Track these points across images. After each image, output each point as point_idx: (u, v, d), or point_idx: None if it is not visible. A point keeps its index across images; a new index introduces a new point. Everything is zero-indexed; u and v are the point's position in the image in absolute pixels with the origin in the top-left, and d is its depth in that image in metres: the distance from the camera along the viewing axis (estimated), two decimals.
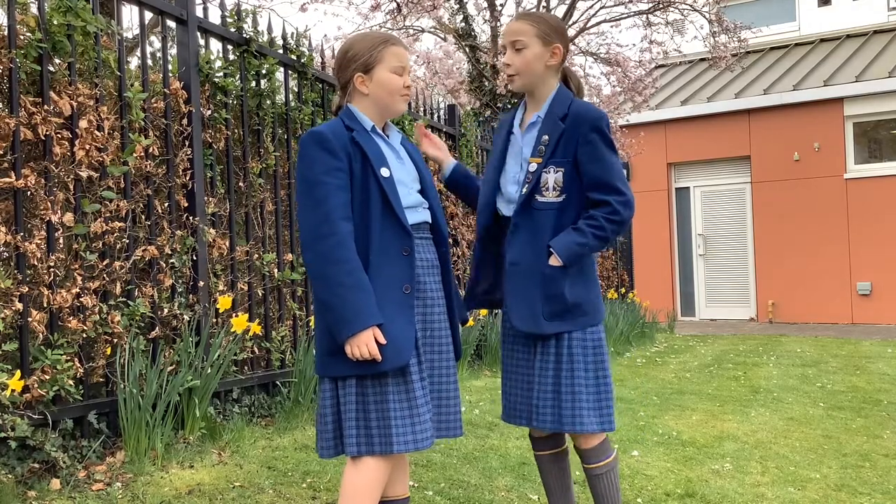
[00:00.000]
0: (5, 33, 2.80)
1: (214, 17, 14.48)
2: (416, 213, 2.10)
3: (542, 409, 2.27)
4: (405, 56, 2.13)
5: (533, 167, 2.29)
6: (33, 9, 2.94)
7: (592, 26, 10.05)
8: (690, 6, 10.04)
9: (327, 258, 1.93)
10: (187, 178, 3.56)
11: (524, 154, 2.34)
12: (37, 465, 2.71)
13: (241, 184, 3.95)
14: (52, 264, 2.87)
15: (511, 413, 2.40)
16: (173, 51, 3.67)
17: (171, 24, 3.66)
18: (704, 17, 10.20)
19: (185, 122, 3.58)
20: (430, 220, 2.15)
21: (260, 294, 4.03)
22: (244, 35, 3.97)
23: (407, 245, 2.05)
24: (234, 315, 3.69)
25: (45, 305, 2.86)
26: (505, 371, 2.44)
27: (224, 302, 3.50)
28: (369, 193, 2.02)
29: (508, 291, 2.35)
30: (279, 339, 4.10)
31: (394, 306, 2.00)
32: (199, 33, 3.73)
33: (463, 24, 9.90)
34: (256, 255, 4.00)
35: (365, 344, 1.91)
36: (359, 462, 2.00)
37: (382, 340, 1.94)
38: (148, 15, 3.54)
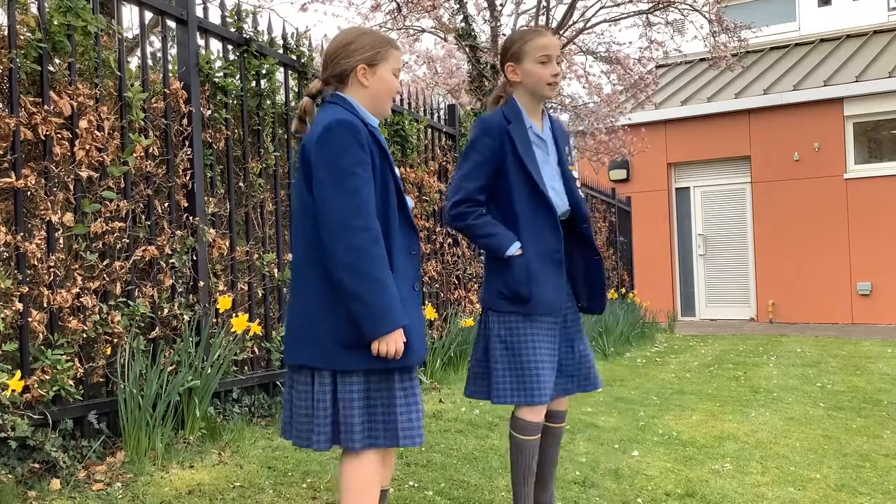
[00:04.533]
0: (5, 33, 2.80)
1: (214, 17, 14.49)
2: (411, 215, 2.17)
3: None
4: (400, 60, 2.19)
5: None
6: (33, 9, 2.94)
7: (592, 26, 10.05)
8: (690, 6, 10.03)
9: (363, 252, 1.91)
10: (187, 178, 3.56)
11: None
12: (37, 465, 2.71)
13: (241, 184, 3.95)
14: (52, 264, 2.87)
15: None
16: (173, 51, 3.67)
17: (171, 24, 3.66)
18: (704, 16, 10.19)
19: (185, 122, 3.58)
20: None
21: (260, 294, 4.03)
22: (244, 35, 3.97)
23: (414, 244, 2.10)
24: (234, 315, 3.69)
25: (45, 305, 2.86)
26: None
27: (224, 302, 3.50)
28: (388, 191, 2.04)
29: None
30: (279, 339, 4.10)
31: (411, 304, 2.05)
32: (199, 33, 3.73)
33: (463, 24, 9.89)
34: (256, 255, 4.00)
35: (395, 342, 1.94)
36: (363, 455, 2.03)
37: (403, 339, 1.99)
38: (148, 15, 3.53)
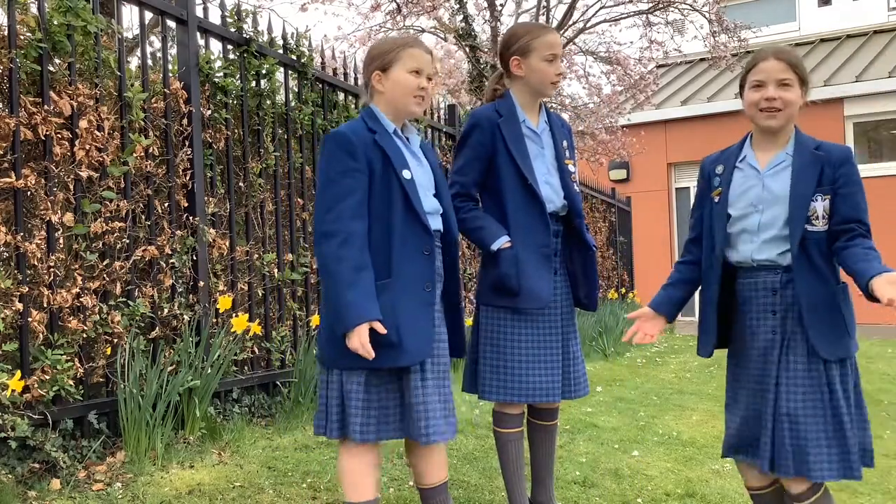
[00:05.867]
0: (5, 33, 2.80)
1: (214, 17, 14.48)
2: (433, 219, 2.18)
3: None
4: (423, 59, 2.19)
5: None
6: (33, 9, 2.94)
7: (592, 26, 10.05)
8: (690, 6, 10.02)
9: (331, 256, 2.01)
10: (187, 178, 3.56)
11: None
12: (37, 465, 2.71)
13: (241, 184, 3.95)
14: (52, 264, 2.87)
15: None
16: (173, 51, 3.67)
17: (171, 24, 3.66)
18: (704, 16, 10.19)
19: (185, 122, 3.58)
20: (441, 228, 2.23)
21: (260, 294, 4.03)
22: (244, 35, 3.97)
23: (428, 245, 2.13)
24: (234, 315, 3.68)
25: (45, 305, 2.86)
26: None
27: (224, 302, 3.50)
28: (391, 194, 2.09)
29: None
30: (279, 339, 4.10)
31: (416, 305, 2.09)
32: (199, 33, 3.72)
33: (463, 24, 9.89)
34: (256, 255, 4.00)
35: (356, 338, 1.98)
36: (354, 448, 2.14)
37: (383, 330, 2.01)
38: (148, 15, 3.53)
